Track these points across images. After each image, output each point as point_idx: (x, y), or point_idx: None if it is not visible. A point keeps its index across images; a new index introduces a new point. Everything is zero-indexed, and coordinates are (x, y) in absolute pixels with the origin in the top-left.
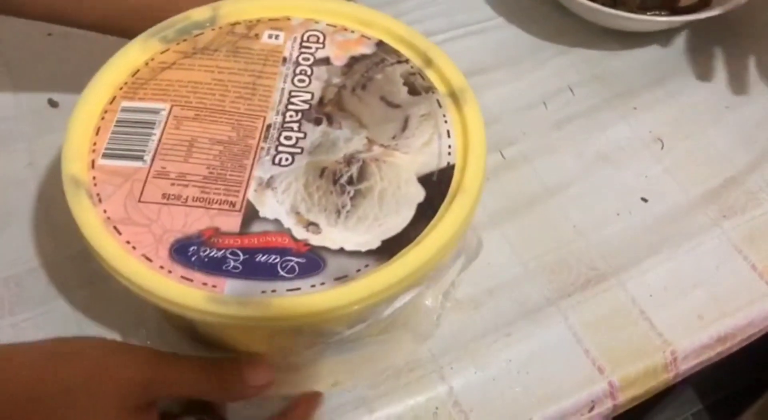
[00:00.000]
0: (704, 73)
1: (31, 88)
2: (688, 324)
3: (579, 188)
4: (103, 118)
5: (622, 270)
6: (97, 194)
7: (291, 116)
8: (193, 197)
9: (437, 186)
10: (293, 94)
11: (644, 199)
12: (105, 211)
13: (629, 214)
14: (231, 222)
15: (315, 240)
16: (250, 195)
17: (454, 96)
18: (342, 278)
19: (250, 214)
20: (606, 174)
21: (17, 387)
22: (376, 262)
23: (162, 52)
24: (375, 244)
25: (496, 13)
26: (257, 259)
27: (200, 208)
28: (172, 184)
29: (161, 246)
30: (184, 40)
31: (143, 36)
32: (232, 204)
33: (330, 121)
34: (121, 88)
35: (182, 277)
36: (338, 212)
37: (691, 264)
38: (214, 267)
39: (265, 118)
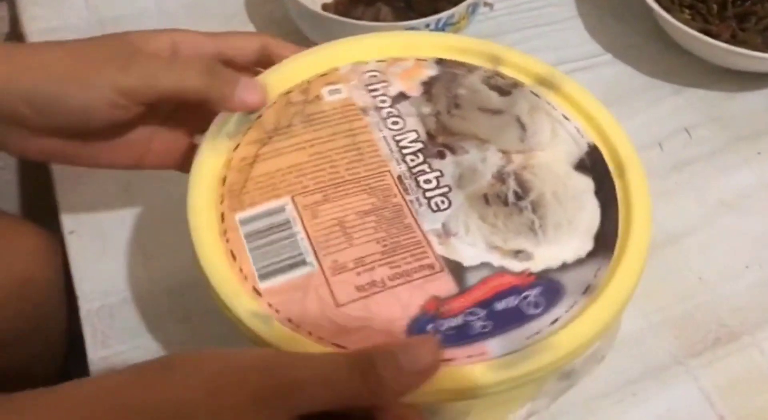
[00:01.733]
0: None
1: None
2: None
3: (702, 237)
4: (228, 241)
5: (756, 328)
6: (288, 319)
7: (412, 160)
8: (388, 276)
9: (595, 168)
10: (397, 138)
11: None
12: (310, 334)
13: (759, 267)
14: (444, 285)
15: (534, 266)
16: (439, 250)
17: (544, 82)
18: (588, 290)
19: (456, 268)
20: (731, 222)
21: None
22: (604, 259)
23: (235, 149)
24: (589, 244)
25: (603, 49)
26: (498, 309)
27: (403, 284)
28: (358, 274)
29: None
30: (249, 129)
31: (208, 140)
32: (431, 267)
33: (453, 150)
34: (221, 203)
35: (446, 360)
36: (533, 230)
37: None
38: (465, 336)
39: (390, 171)
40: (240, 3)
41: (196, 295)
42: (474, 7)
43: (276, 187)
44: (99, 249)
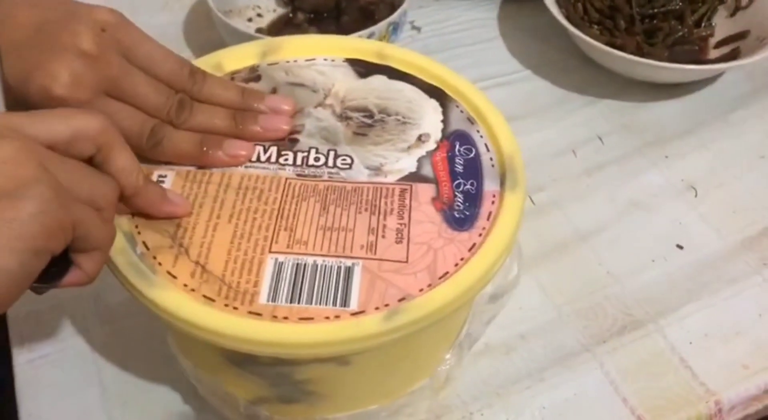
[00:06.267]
0: (736, 124)
1: None
2: (732, 373)
3: (612, 234)
4: None
5: (659, 316)
6: None
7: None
8: None
9: None
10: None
11: (680, 246)
12: None
13: (665, 260)
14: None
15: None
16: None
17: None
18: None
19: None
20: (639, 220)
21: None
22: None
23: None
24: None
25: (523, 66)
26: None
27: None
28: None
29: None
30: None
31: None
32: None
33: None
34: None
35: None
36: None
37: (732, 311)
38: None
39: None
40: (179, 31)
41: (118, 299)
42: (396, 27)
43: None
44: None
